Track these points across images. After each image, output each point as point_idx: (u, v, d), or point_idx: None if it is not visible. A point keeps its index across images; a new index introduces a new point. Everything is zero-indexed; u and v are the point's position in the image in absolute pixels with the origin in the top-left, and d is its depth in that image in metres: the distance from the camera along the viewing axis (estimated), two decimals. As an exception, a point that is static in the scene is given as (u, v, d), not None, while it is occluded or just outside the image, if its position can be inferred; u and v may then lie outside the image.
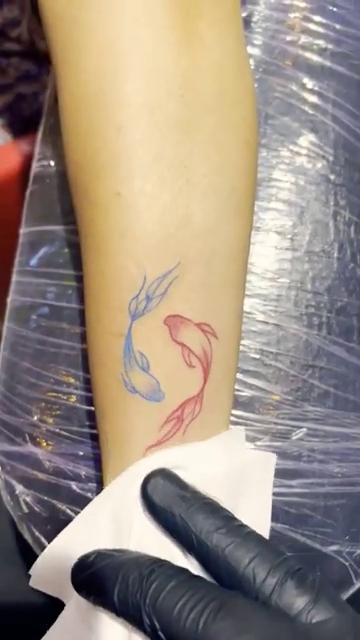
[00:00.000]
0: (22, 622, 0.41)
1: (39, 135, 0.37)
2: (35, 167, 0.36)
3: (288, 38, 0.33)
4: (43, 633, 0.42)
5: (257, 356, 0.30)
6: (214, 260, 0.24)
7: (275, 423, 0.30)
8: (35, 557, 0.34)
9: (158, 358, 0.24)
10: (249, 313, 0.30)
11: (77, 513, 0.30)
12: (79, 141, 0.25)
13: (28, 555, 0.40)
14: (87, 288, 0.26)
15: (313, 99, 0.32)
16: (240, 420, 0.29)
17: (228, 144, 0.25)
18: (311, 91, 0.32)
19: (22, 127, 0.65)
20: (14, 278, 0.36)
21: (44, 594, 0.41)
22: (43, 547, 0.32)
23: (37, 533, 0.32)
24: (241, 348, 0.29)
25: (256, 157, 0.27)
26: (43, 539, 0.32)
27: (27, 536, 0.32)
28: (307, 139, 0.32)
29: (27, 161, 0.60)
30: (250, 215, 0.27)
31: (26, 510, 0.32)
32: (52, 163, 0.35)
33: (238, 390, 0.29)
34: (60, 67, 0.26)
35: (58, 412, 0.31)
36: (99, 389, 0.26)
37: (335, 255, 0.31)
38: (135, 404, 0.24)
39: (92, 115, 0.24)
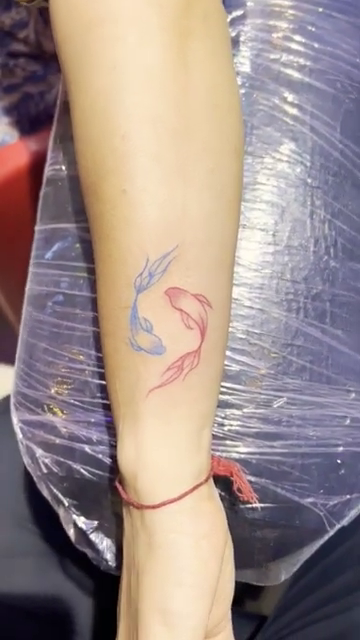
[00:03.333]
0: (33, 584, 0.44)
1: (50, 142, 0.40)
2: (48, 171, 0.39)
3: (272, 56, 0.35)
4: (51, 593, 0.44)
5: (243, 336, 0.33)
6: (208, 245, 0.27)
7: (259, 393, 0.33)
8: (46, 518, 0.37)
9: (159, 320, 0.27)
10: (237, 299, 0.33)
11: (90, 472, 0.34)
12: (89, 149, 0.27)
13: (39, 519, 0.44)
14: (98, 270, 0.29)
15: (293, 111, 0.35)
16: (229, 390, 0.32)
17: (220, 150, 0.27)
18: (291, 104, 0.35)
19: (29, 126, 0.64)
20: (31, 269, 0.38)
21: (55, 560, 0.44)
22: (60, 502, 0.36)
23: (55, 490, 0.35)
24: (230, 329, 0.33)
25: (242, 161, 0.29)
26: (60, 495, 0.35)
27: (46, 493, 0.36)
28: (288, 147, 0.34)
29: (34, 158, 0.61)
30: (238, 210, 0.29)
31: (45, 470, 0.35)
32: (63, 167, 0.37)
33: (227, 365, 0.32)
34: (71, 85, 0.28)
35: (72, 385, 0.34)
36: (110, 353, 0.29)
37: (311, 249, 0.34)
38: (140, 358, 0.27)
39: (100, 127, 0.26)
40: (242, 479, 0.31)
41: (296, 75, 0.35)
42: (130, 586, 0.29)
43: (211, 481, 0.30)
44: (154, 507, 0.27)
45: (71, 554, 0.43)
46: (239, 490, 0.31)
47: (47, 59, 0.64)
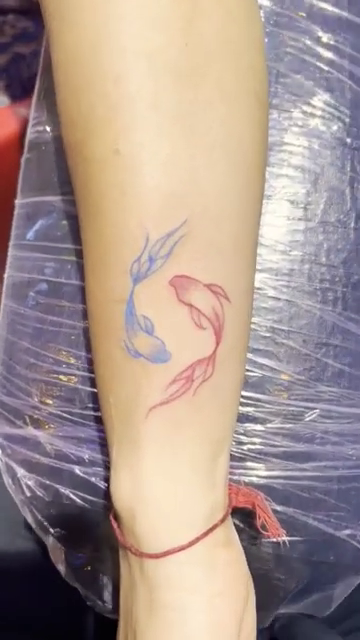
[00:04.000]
0: (30, 593, 0.40)
1: (34, 99, 0.35)
2: (30, 133, 0.34)
3: None
4: (50, 605, 0.42)
5: (268, 334, 0.28)
6: (224, 220, 0.23)
7: (287, 404, 0.28)
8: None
9: (162, 319, 0.23)
10: (259, 289, 0.28)
11: (81, 498, 0.30)
12: (73, 97, 0.23)
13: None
14: (86, 254, 0.25)
15: (328, 55, 0.30)
16: (250, 401, 0.28)
17: (235, 94, 0.23)
18: (326, 46, 0.30)
19: (21, 90, 0.63)
20: (10, 252, 0.34)
21: (53, 567, 0.41)
22: (46, 531, 0.31)
23: (40, 517, 0.31)
24: (251, 326, 0.28)
25: (266, 111, 0.25)
26: (46, 523, 0.31)
27: (30, 520, 0.32)
28: (322, 99, 0.30)
29: (26, 125, 0.59)
30: (262, 175, 0.25)
31: (28, 494, 0.31)
32: (48, 128, 0.33)
33: (247, 370, 0.28)
34: (52, 21, 0.24)
35: (59, 393, 0.30)
36: (101, 359, 0.25)
37: (352, 225, 0.29)
38: (139, 368, 0.23)
39: (87, 68, 0.23)
40: (267, 512, 0.27)
41: (331, 9, 0.30)
42: None
43: (229, 520, 0.25)
44: (156, 557, 0.23)
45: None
46: (263, 527, 0.26)
47: (39, 14, 0.60)
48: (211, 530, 0.23)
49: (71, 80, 0.23)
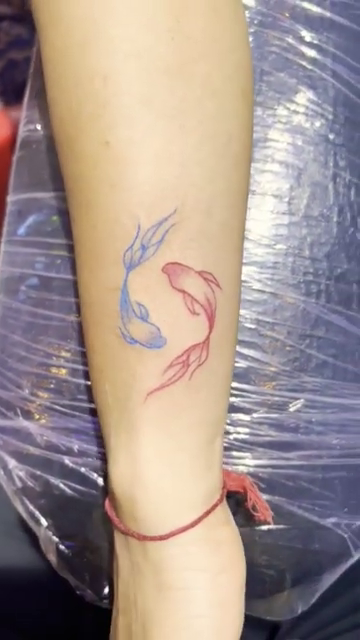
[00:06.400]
0: (23, 595, 0.41)
1: (25, 98, 0.36)
2: (22, 132, 0.35)
3: None
4: (43, 605, 0.42)
5: (253, 326, 0.29)
6: (213, 208, 0.23)
7: (272, 395, 0.29)
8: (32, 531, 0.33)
9: (157, 305, 0.23)
10: (245, 281, 0.29)
11: (71, 488, 0.30)
12: (63, 95, 0.24)
13: (29, 529, 0.40)
14: (79, 246, 0.25)
15: (311, 53, 0.30)
16: (236, 392, 0.28)
17: (223, 91, 0.24)
18: (309, 44, 0.30)
19: (14, 95, 0.63)
20: (2, 248, 0.35)
21: (45, 568, 0.41)
22: (38, 522, 0.32)
23: (32, 507, 0.31)
24: None
25: (252, 107, 0.26)
26: (38, 513, 0.31)
27: (21, 510, 0.32)
28: (305, 96, 0.30)
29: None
30: (248, 166, 0.26)
31: (20, 485, 0.31)
32: (39, 127, 0.33)
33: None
34: (41, 17, 0.24)
35: (50, 385, 0.30)
36: (96, 348, 0.25)
37: (334, 219, 0.30)
38: (135, 354, 0.24)
39: (76, 66, 0.23)
40: (256, 494, 0.28)
41: (314, 9, 0.31)
42: (131, 635, 0.25)
43: (225, 502, 0.26)
44: (161, 539, 0.24)
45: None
46: (254, 508, 0.27)
47: (32, 21, 0.61)
48: (212, 509, 0.24)
49: (60, 78, 0.24)
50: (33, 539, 0.42)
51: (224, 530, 0.25)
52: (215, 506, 0.25)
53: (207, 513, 0.24)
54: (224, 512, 0.26)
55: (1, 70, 0.64)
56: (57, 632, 0.41)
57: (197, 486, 0.24)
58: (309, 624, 0.39)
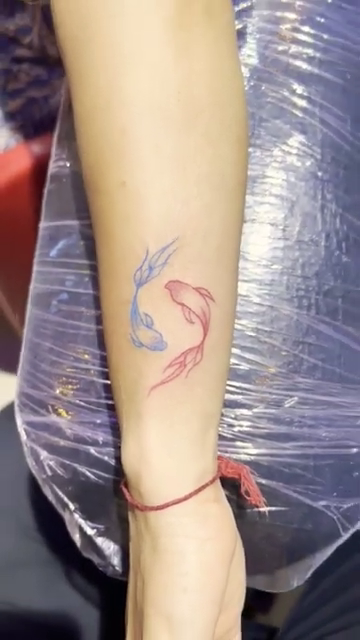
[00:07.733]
0: (37, 595, 0.43)
1: (54, 139, 0.39)
2: (52, 167, 0.39)
3: (280, 48, 0.35)
4: (59, 607, 0.43)
5: (253, 334, 0.32)
6: (209, 236, 0.27)
7: (270, 393, 0.32)
8: (50, 526, 0.36)
9: (160, 315, 0.26)
10: (246, 296, 0.32)
11: (95, 475, 0.33)
12: (90, 145, 0.27)
13: (43, 527, 0.43)
14: (100, 267, 0.29)
15: (302, 103, 0.34)
16: (239, 390, 0.32)
17: (220, 140, 0.27)
18: (300, 96, 0.34)
19: (33, 130, 0.65)
20: (35, 268, 0.38)
21: (61, 568, 0.43)
22: (65, 506, 0.35)
23: (60, 493, 0.35)
24: (239, 327, 0.32)
25: (246, 150, 0.29)
26: (66, 499, 0.35)
27: (50, 497, 0.35)
28: (297, 140, 0.34)
29: (38, 161, 0.61)
30: (241, 200, 0.29)
31: (50, 473, 0.34)
32: (67, 164, 0.37)
33: (237, 364, 0.32)
34: (72, 81, 0.28)
35: (77, 385, 0.33)
36: (112, 351, 0.29)
37: (322, 244, 0.33)
38: (142, 355, 0.27)
39: (101, 122, 0.26)
40: (250, 482, 0.30)
41: (305, 67, 0.35)
42: (136, 590, 0.28)
43: (218, 483, 0.29)
44: (157, 508, 0.27)
45: (77, 563, 0.42)
46: (247, 493, 0.30)
47: (51, 63, 0.64)
48: (202, 488, 0.27)
49: (87, 130, 0.27)
50: (48, 539, 0.45)
51: (213, 506, 0.28)
52: (206, 485, 0.27)
53: (197, 490, 0.27)
54: (215, 491, 0.28)
55: (21, 107, 0.64)
56: (67, 631, 0.43)
57: (191, 467, 0.27)
58: (305, 624, 0.41)
